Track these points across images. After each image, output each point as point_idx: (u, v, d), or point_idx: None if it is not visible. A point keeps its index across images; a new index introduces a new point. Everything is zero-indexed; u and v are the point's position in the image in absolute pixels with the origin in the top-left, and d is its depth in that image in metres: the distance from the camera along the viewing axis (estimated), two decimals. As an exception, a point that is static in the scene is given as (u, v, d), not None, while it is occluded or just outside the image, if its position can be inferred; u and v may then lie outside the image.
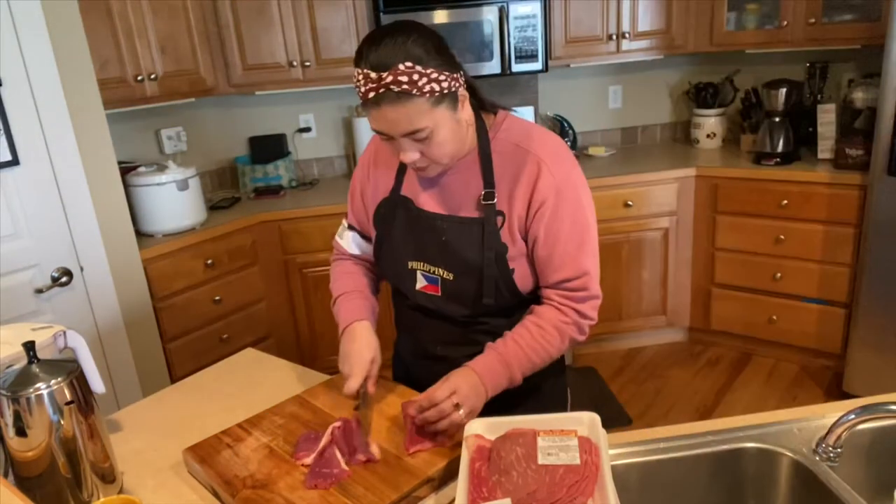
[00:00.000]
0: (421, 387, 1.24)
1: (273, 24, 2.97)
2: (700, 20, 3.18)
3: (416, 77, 1.07)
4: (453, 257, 1.26)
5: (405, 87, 1.07)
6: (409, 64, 1.06)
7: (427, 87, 1.08)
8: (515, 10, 3.00)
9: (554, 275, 1.23)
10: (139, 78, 2.67)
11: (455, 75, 1.13)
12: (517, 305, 1.29)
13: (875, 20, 2.74)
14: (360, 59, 1.10)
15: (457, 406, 1.14)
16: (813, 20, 2.89)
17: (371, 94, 1.08)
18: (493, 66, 3.07)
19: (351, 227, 1.45)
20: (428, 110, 1.10)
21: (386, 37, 1.09)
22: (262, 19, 2.96)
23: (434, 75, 1.09)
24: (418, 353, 1.42)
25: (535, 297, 1.30)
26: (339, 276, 1.45)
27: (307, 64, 3.04)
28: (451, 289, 1.28)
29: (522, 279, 1.26)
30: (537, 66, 3.10)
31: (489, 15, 3.00)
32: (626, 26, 3.18)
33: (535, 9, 3.01)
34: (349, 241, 1.45)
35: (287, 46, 3.01)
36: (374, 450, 1.16)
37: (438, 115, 1.12)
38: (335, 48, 3.05)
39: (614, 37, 3.20)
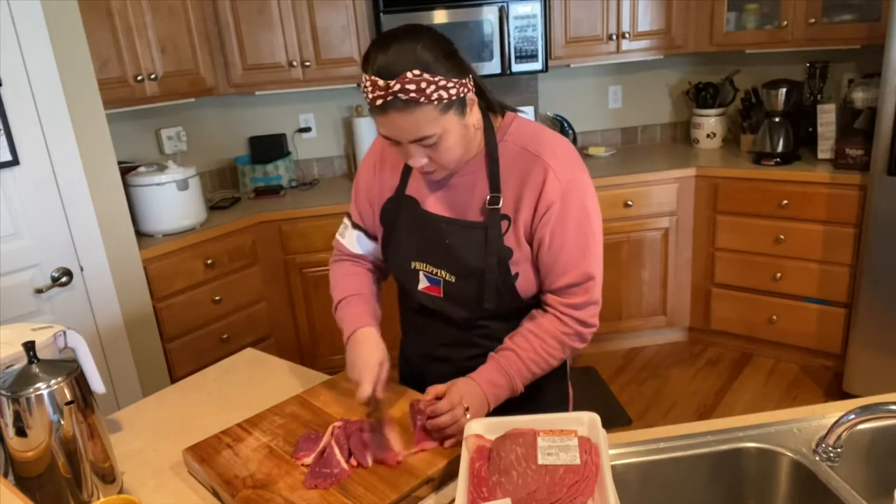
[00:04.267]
0: (426, 387, 1.25)
1: (273, 24, 2.97)
2: (700, 20, 3.18)
3: (423, 85, 1.06)
4: (456, 260, 1.25)
5: (413, 94, 1.06)
6: (416, 72, 1.05)
7: (435, 95, 1.07)
8: (515, 10, 3.00)
9: (558, 280, 1.23)
10: (139, 78, 2.67)
11: (463, 80, 1.12)
12: (517, 310, 1.29)
13: (875, 20, 2.74)
14: (367, 63, 1.09)
15: (466, 410, 1.16)
16: (813, 20, 2.89)
17: (379, 101, 1.07)
18: (493, 66, 3.07)
19: (356, 226, 1.42)
20: (436, 117, 1.10)
21: (394, 42, 1.07)
22: (262, 19, 2.96)
23: (442, 82, 1.08)
24: (423, 353, 1.43)
25: (535, 302, 1.30)
26: (340, 278, 1.43)
27: (307, 64, 3.04)
28: (453, 291, 1.28)
29: (525, 284, 1.25)
30: (537, 66, 3.10)
31: (489, 15, 3.00)
32: (625, 26, 3.18)
33: (535, 9, 3.01)
34: (353, 241, 1.42)
35: (287, 46, 3.01)
36: (397, 446, 1.16)
37: (447, 122, 1.11)
38: (335, 48, 3.05)
39: (614, 37, 3.20)
